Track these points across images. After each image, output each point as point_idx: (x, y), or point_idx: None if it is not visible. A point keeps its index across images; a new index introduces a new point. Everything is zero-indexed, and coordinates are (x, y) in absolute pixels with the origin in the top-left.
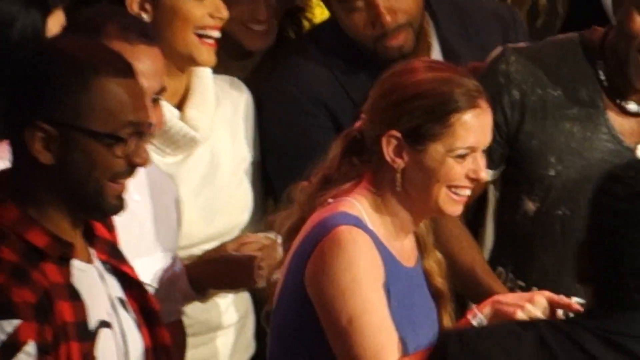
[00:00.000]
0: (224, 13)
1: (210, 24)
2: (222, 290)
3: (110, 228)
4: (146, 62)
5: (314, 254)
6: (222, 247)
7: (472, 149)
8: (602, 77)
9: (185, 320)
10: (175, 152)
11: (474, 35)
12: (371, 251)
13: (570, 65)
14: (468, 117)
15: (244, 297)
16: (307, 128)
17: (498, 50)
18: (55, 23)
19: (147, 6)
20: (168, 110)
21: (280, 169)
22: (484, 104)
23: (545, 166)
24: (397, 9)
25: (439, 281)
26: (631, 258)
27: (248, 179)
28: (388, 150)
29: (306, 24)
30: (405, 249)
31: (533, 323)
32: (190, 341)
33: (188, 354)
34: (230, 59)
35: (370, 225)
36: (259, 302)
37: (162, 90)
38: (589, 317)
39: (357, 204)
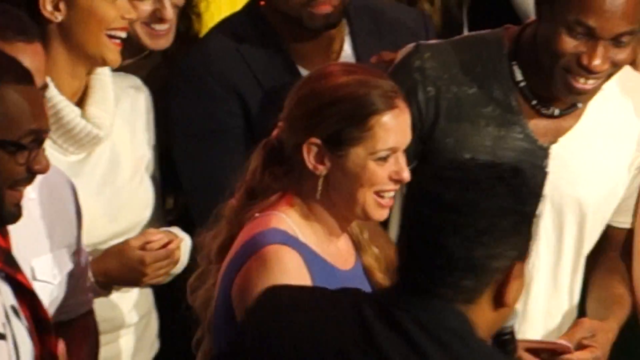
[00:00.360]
0: (133, 14)
1: (120, 25)
2: (121, 285)
3: (5, 234)
4: (26, 60)
5: (240, 273)
6: (125, 243)
7: (393, 150)
8: (519, 78)
9: None
10: (78, 150)
11: (387, 33)
12: (298, 270)
13: (485, 63)
14: (387, 119)
15: (147, 296)
16: (216, 112)
17: (410, 46)
18: None
19: (61, 6)
20: (70, 109)
21: (187, 152)
22: (401, 104)
23: None
24: None
25: (380, 276)
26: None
27: (149, 175)
28: (309, 158)
29: (195, 18)
30: (341, 252)
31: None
32: None
33: None
34: (127, 57)
35: (301, 237)
36: (162, 300)
37: (44, 87)
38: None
39: (286, 217)
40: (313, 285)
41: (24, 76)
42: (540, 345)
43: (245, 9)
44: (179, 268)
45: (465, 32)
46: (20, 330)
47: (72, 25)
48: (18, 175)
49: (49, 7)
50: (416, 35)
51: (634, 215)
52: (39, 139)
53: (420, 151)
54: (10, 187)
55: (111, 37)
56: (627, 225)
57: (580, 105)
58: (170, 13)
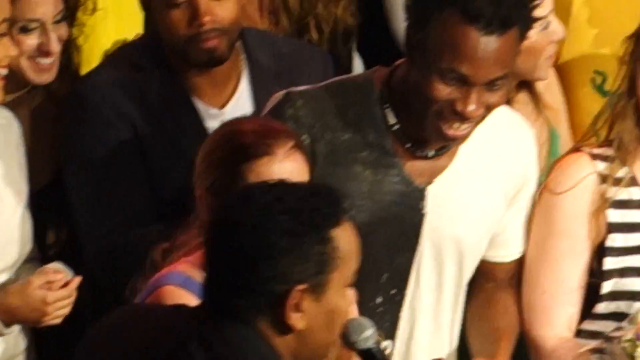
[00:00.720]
0: (14, 52)
1: (2, 64)
2: (22, 323)
3: None
4: None
5: None
6: (27, 282)
7: None
8: (392, 121)
9: None
10: None
11: (286, 72)
12: None
13: (357, 107)
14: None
15: (26, 333)
16: (108, 140)
17: (279, 94)
18: None
19: None
20: None
21: (79, 180)
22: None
23: None
24: (216, 13)
25: None
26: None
27: (28, 210)
28: (202, 208)
29: (74, 51)
30: None
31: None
32: None
33: None
34: (9, 92)
35: None
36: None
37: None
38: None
39: (195, 262)
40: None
41: None
42: None
43: (142, 38)
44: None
45: (355, 65)
46: None
47: None
48: None
49: None
50: (315, 73)
51: (513, 247)
52: None
53: None
54: None
55: None
56: (503, 259)
57: (452, 145)
58: (55, 46)
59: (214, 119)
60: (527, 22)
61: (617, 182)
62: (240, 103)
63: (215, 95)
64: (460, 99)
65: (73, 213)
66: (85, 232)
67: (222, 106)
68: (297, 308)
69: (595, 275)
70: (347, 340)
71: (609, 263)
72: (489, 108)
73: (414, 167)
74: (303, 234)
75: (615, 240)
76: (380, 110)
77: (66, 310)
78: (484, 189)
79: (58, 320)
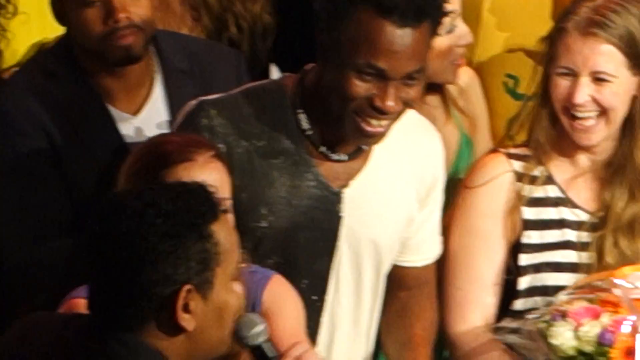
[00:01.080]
0: None
1: None
2: None
3: None
4: None
5: None
6: None
7: None
8: (306, 126)
9: None
10: None
11: (200, 75)
12: None
13: (271, 114)
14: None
15: None
16: (23, 149)
17: (192, 104)
18: None
19: None
20: None
21: None
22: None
23: (257, 219)
24: (131, 10)
25: None
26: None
27: None
28: None
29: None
30: None
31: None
32: None
33: None
34: None
35: None
36: None
37: None
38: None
39: None
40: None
41: None
42: None
43: (56, 45)
44: None
45: (272, 68)
46: None
47: None
48: None
49: None
50: (228, 73)
51: (423, 252)
52: None
53: None
54: None
55: None
56: (414, 264)
57: (365, 147)
58: None
59: (128, 125)
60: (438, 15)
61: (533, 180)
62: (155, 108)
63: (129, 100)
64: (378, 94)
65: None
66: (2, 245)
67: (137, 112)
68: (186, 309)
69: (512, 272)
70: (238, 335)
71: (525, 259)
72: (406, 103)
73: (329, 171)
74: (181, 234)
75: (531, 237)
76: (294, 115)
77: None
78: (398, 190)
79: None
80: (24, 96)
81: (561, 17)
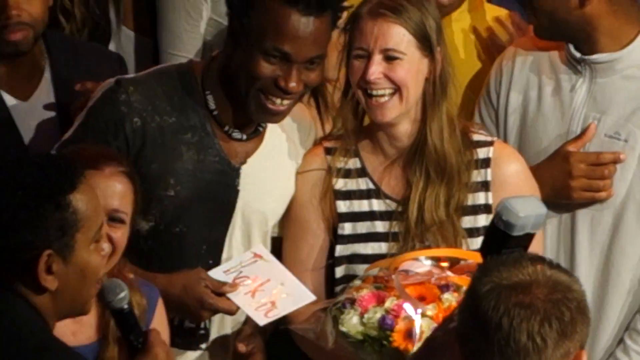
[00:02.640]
0: None
1: None
2: None
3: None
4: None
5: None
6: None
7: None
8: (212, 107)
9: None
10: None
11: (84, 65)
12: None
13: (181, 94)
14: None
15: None
16: None
17: (110, 81)
18: None
19: None
20: None
21: None
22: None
23: (165, 187)
24: (23, 8)
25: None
26: None
27: None
28: None
29: None
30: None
31: None
32: None
33: None
34: None
35: None
36: None
37: None
38: None
39: None
40: None
41: None
42: None
43: None
44: None
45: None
46: None
47: None
48: None
49: None
50: (110, 68)
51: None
52: None
53: None
54: None
55: None
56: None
57: (261, 129)
58: None
59: (19, 110)
60: (339, 8)
61: (347, 173)
62: (43, 95)
63: (20, 87)
64: (282, 76)
65: None
66: None
67: (27, 98)
68: (48, 271)
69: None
70: (103, 299)
71: (339, 250)
72: (306, 85)
73: (230, 149)
74: (39, 204)
75: (344, 229)
76: (202, 96)
77: None
78: (286, 168)
79: None
80: None
81: (357, 6)
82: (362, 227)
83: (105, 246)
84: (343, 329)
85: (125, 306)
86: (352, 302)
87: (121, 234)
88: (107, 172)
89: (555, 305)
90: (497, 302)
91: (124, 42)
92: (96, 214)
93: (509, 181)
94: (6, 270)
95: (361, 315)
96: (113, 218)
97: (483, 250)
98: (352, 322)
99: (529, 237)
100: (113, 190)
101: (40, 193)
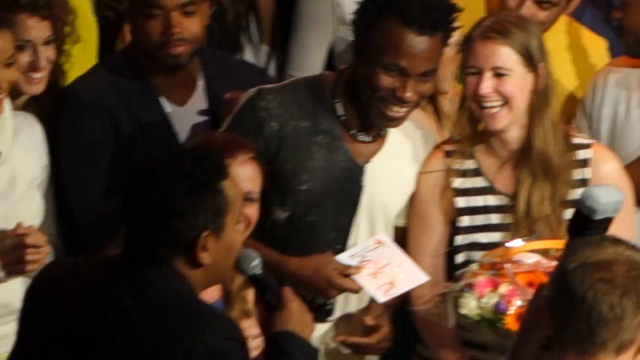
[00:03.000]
0: (5, 85)
1: (7, 86)
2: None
3: None
4: None
5: None
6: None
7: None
8: (341, 113)
9: None
10: None
11: (233, 77)
12: None
13: (314, 102)
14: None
15: None
16: (93, 129)
17: (252, 91)
18: None
19: None
20: None
21: (70, 161)
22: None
23: (299, 183)
24: (184, 27)
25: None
26: None
27: (40, 192)
28: None
29: (60, 74)
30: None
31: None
32: None
33: None
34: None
35: None
36: None
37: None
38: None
39: None
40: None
41: None
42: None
43: (123, 50)
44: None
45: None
46: None
47: None
48: None
49: None
50: (254, 80)
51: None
52: None
53: (267, 171)
54: None
55: None
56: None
57: (383, 133)
58: (44, 63)
59: (176, 114)
60: (449, 29)
61: (464, 173)
62: (197, 101)
63: (177, 94)
64: (399, 87)
65: (67, 190)
66: (73, 201)
67: (183, 104)
68: (205, 248)
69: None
70: (239, 267)
71: (459, 240)
72: (421, 95)
73: (356, 150)
74: (199, 192)
75: (463, 222)
76: (331, 104)
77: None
78: (404, 167)
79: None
80: (95, 89)
81: (470, 29)
82: (479, 220)
83: (241, 224)
84: (463, 311)
85: (259, 272)
86: (470, 287)
87: (253, 211)
88: (239, 159)
89: (633, 281)
90: (582, 278)
91: (260, 55)
92: (239, 199)
93: (606, 178)
94: (167, 249)
95: (478, 300)
96: (246, 199)
97: (569, 232)
98: (470, 306)
99: (608, 221)
100: (246, 174)
101: (200, 182)
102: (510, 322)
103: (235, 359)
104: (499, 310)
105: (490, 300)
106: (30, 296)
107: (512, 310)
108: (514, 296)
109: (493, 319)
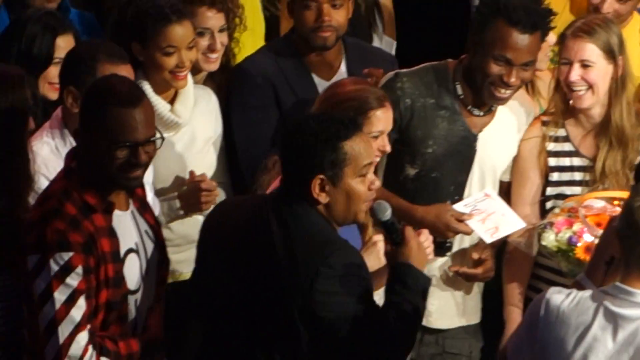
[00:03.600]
0: (188, 63)
1: (179, 69)
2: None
3: (142, 188)
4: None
5: None
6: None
7: (381, 132)
8: (460, 93)
9: (170, 235)
10: (167, 131)
11: (369, 61)
12: None
13: (439, 83)
14: (379, 112)
15: None
16: (259, 96)
17: (390, 74)
18: (65, 44)
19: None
20: (162, 106)
21: (241, 122)
22: (387, 104)
23: (426, 147)
24: (332, 17)
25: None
26: None
27: (214, 149)
28: None
29: (231, 56)
30: None
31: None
32: (173, 250)
33: (172, 257)
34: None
35: None
36: None
37: None
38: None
39: None
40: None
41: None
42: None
43: (285, 34)
44: None
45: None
46: (150, 245)
47: (149, 69)
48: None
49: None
50: (385, 65)
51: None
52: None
53: (397, 138)
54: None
55: (174, 72)
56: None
57: (493, 108)
58: (219, 46)
59: (323, 87)
60: (546, 28)
61: (556, 139)
62: (339, 78)
63: (324, 71)
64: (506, 74)
65: (236, 147)
66: (244, 157)
67: (329, 79)
68: (321, 190)
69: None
70: (373, 215)
71: (549, 191)
72: (523, 81)
73: (471, 122)
74: (320, 145)
75: (553, 177)
76: (452, 85)
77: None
78: (510, 134)
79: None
80: (261, 65)
81: (564, 29)
82: (565, 176)
83: (377, 183)
84: (544, 243)
85: (389, 217)
86: (551, 224)
87: (384, 142)
88: (384, 107)
89: None
90: None
91: (384, 46)
92: (362, 158)
93: None
94: (300, 187)
95: (556, 234)
96: (379, 134)
97: (635, 179)
98: (549, 239)
99: None
100: (386, 119)
101: (323, 138)
102: (580, 253)
103: (353, 281)
104: (571, 243)
105: (565, 235)
106: (205, 229)
107: (581, 243)
108: (584, 233)
109: (567, 249)
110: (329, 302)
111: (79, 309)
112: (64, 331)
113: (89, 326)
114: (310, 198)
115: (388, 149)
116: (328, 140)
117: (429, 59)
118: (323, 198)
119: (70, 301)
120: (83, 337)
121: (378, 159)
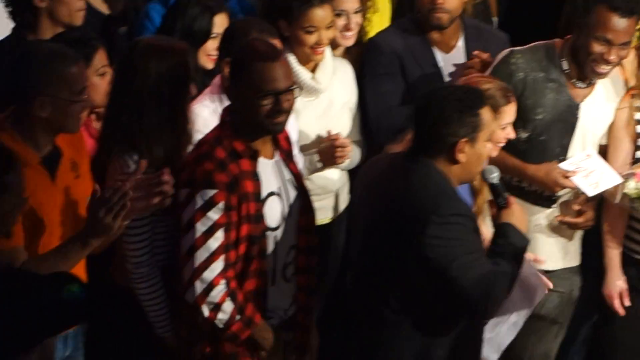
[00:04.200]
0: (326, 41)
1: (317, 46)
2: (329, 167)
3: (289, 141)
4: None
5: None
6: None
7: (509, 124)
8: (565, 68)
9: (311, 185)
10: (309, 96)
11: (484, 40)
12: None
13: (548, 59)
14: (507, 108)
15: (342, 172)
16: (388, 66)
17: (505, 52)
18: (221, 21)
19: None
20: (304, 74)
21: (371, 88)
22: (513, 98)
23: (536, 114)
24: (446, 0)
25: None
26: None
27: (349, 112)
28: None
29: (364, 33)
30: None
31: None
32: (313, 198)
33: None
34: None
35: None
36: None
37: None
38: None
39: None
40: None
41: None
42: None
43: (409, 15)
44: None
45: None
46: (293, 192)
47: (293, 41)
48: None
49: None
50: (499, 45)
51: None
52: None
53: None
54: (270, 117)
55: (313, 48)
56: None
57: (593, 81)
58: (354, 25)
59: (443, 59)
60: None
61: None
62: (457, 53)
63: (444, 46)
64: (606, 52)
65: (368, 110)
66: (373, 117)
67: (448, 53)
68: (461, 151)
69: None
70: (483, 177)
71: (637, 154)
72: (620, 58)
73: (575, 93)
74: (465, 111)
75: None
76: (559, 61)
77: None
78: (608, 104)
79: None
80: (390, 40)
81: None
82: None
83: (489, 146)
84: (625, 190)
85: (496, 181)
86: (633, 175)
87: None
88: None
89: None
90: None
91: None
92: (490, 124)
93: None
94: (436, 148)
95: (636, 183)
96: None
97: None
98: (630, 187)
99: None
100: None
101: (466, 104)
102: None
103: (459, 229)
104: None
105: None
106: (357, 178)
107: None
108: None
109: None
110: (437, 245)
111: (216, 240)
112: (200, 257)
113: (223, 256)
114: (451, 157)
115: (512, 135)
116: (472, 107)
117: (526, 36)
118: (462, 158)
119: (210, 232)
120: (218, 266)
121: (503, 144)
